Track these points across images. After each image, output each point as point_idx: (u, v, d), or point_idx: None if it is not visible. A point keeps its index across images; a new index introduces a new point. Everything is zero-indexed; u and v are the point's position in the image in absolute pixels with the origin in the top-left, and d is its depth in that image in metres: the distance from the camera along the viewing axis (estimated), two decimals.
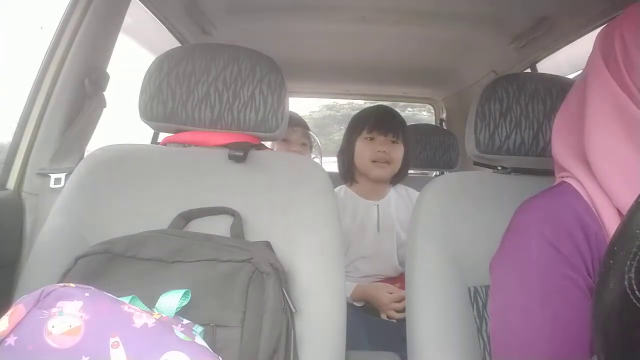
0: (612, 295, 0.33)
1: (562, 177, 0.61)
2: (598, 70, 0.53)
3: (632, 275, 0.31)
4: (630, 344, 0.33)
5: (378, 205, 1.43)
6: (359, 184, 1.46)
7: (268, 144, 1.45)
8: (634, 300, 0.31)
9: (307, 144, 1.72)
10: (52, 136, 1.01)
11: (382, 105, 1.54)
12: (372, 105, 1.55)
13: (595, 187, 0.54)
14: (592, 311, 0.36)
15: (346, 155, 1.45)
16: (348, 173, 1.46)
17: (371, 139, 1.39)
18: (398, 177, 1.46)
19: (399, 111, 1.50)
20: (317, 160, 1.59)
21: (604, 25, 0.57)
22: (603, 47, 0.54)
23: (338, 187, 1.49)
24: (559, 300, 0.52)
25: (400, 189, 1.51)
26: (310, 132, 1.76)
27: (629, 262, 0.32)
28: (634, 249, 0.31)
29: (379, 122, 1.39)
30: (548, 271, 0.53)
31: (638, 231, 0.31)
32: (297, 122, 1.64)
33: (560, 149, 0.61)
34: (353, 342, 1.12)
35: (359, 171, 1.43)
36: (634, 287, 0.31)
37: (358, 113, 1.49)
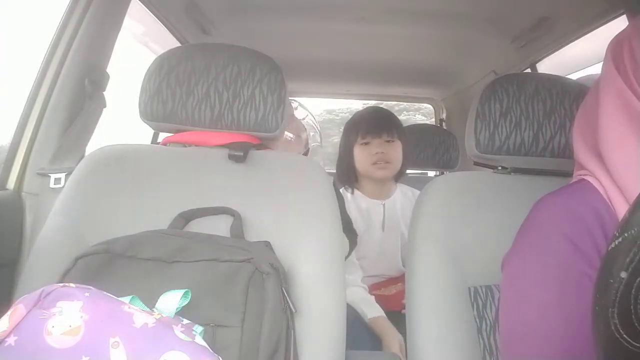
0: (604, 338, 0.34)
1: (581, 175, 0.61)
2: (610, 74, 0.56)
3: (617, 321, 0.32)
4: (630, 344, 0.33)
5: (384, 204, 1.44)
6: (363, 187, 1.47)
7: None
8: (625, 343, 0.32)
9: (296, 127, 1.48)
10: (52, 136, 1.01)
11: (371, 107, 1.54)
12: (361, 109, 1.55)
13: (612, 185, 0.55)
14: (592, 312, 0.36)
15: (346, 162, 1.44)
16: (350, 177, 1.46)
17: (367, 143, 1.39)
18: (400, 173, 1.46)
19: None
20: (316, 136, 1.38)
21: (617, 34, 0.59)
22: (614, 54, 0.57)
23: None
24: (576, 297, 0.52)
25: (406, 189, 1.52)
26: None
27: (610, 309, 0.32)
28: (612, 297, 0.32)
29: (370, 126, 1.40)
30: (565, 266, 0.53)
31: (612, 280, 0.32)
32: None
33: (579, 148, 0.62)
34: (354, 342, 1.11)
35: (362, 174, 1.44)
36: (621, 331, 0.32)
37: (350, 120, 1.49)
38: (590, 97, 0.62)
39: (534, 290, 0.55)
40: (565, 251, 0.53)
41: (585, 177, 0.60)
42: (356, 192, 1.47)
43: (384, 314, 1.25)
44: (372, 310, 1.25)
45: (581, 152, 0.61)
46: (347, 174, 1.45)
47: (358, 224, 1.40)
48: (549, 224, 0.56)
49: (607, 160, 0.55)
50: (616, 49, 0.57)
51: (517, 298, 0.57)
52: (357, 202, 1.45)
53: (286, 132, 1.13)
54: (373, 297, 1.30)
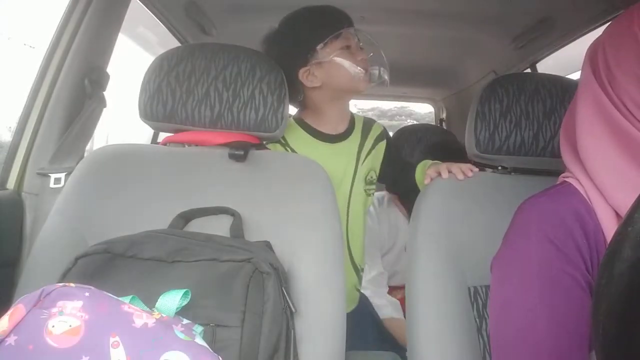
0: (603, 337, 0.33)
1: (564, 177, 0.62)
2: (587, 79, 0.58)
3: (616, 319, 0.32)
4: (630, 343, 0.33)
5: None
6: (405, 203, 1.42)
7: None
8: (625, 342, 0.32)
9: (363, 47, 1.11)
10: (52, 136, 1.01)
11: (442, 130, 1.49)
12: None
13: (591, 186, 0.56)
14: (592, 309, 0.36)
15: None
16: (409, 195, 1.21)
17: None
18: None
19: (387, 121, 1.48)
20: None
21: (595, 38, 0.61)
22: (591, 59, 0.59)
23: (379, 193, 1.47)
24: (558, 296, 0.53)
25: None
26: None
27: (610, 308, 0.32)
28: (612, 296, 0.32)
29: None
30: (548, 268, 0.54)
31: (612, 278, 0.32)
32: (346, 19, 1.01)
33: (564, 150, 0.63)
34: (360, 341, 1.11)
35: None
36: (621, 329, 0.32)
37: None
38: (574, 100, 0.63)
39: (516, 290, 0.56)
40: (546, 252, 0.54)
41: (568, 179, 0.61)
42: (392, 204, 1.43)
43: (404, 317, 1.23)
44: (393, 310, 1.24)
45: (565, 153, 0.63)
46: (406, 191, 1.18)
47: (384, 237, 1.38)
48: (530, 225, 0.57)
49: (585, 162, 0.57)
50: (593, 55, 0.58)
51: (502, 299, 0.58)
52: (387, 213, 1.42)
53: (357, 68, 0.97)
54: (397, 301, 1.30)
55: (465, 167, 0.84)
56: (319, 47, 0.95)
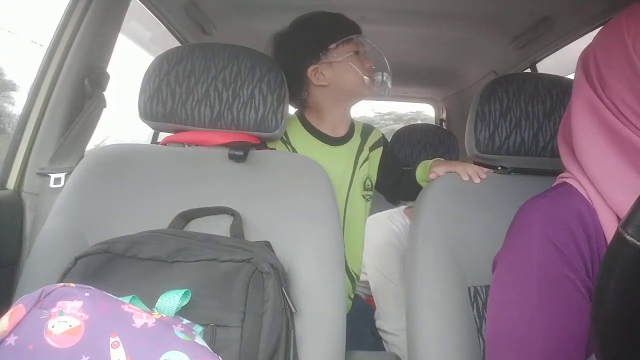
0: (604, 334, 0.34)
1: (563, 178, 0.62)
2: (580, 82, 0.59)
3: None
4: (630, 346, 0.33)
5: None
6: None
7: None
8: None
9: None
10: (52, 136, 1.01)
11: None
12: None
13: (591, 187, 0.57)
14: (591, 313, 0.36)
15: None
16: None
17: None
18: None
19: (403, 125, 1.47)
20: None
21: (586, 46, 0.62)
22: (584, 63, 0.60)
23: (398, 210, 1.47)
24: (556, 299, 0.53)
25: None
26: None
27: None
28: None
29: None
30: (548, 271, 0.53)
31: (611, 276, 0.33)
32: (357, 28, 1.04)
33: (563, 151, 0.63)
34: (356, 339, 1.11)
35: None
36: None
37: None
38: (570, 103, 0.64)
39: (515, 292, 0.56)
40: (547, 254, 0.54)
41: (567, 180, 0.61)
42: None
43: None
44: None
45: (563, 154, 0.63)
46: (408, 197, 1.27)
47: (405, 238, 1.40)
48: (532, 227, 0.57)
49: (582, 163, 0.57)
50: (584, 59, 0.59)
51: (500, 300, 0.58)
52: (407, 220, 1.45)
53: (364, 73, 1.00)
54: None
55: (480, 170, 0.84)
56: (331, 46, 0.99)
